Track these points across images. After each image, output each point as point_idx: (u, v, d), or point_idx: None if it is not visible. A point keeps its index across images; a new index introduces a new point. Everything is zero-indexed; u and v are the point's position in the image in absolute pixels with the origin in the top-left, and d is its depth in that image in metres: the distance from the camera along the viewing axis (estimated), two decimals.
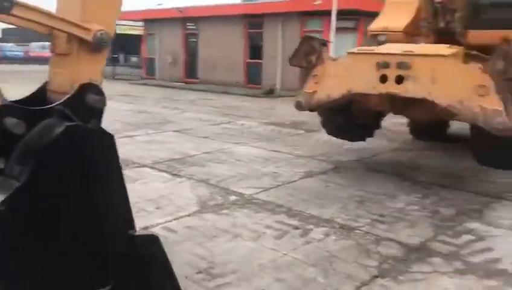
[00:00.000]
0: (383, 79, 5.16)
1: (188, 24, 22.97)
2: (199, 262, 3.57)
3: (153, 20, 24.39)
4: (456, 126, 8.94)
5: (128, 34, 28.21)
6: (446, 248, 4.03)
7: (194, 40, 22.82)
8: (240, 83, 20.48)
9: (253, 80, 20.17)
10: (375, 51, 5.49)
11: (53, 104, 2.06)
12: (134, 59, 30.53)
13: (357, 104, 6.18)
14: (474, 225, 4.59)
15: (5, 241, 1.72)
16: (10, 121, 1.91)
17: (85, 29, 2.13)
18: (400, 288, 3.33)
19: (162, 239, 2.04)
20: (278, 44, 19.13)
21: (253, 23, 20.22)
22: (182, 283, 2.18)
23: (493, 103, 4.58)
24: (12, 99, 2.07)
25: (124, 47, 29.41)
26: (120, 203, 2.07)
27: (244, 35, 20.64)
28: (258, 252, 3.80)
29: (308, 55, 5.78)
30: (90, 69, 2.23)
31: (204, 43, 22.06)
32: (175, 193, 5.26)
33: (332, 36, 14.50)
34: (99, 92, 2.26)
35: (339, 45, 13.32)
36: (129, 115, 11.01)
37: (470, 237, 4.29)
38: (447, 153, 7.71)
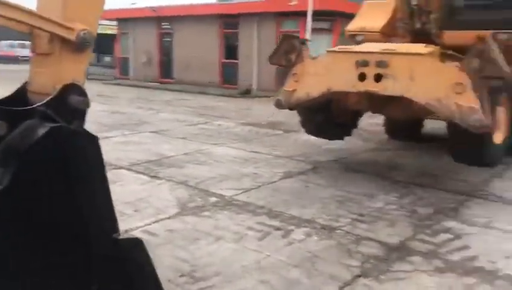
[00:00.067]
0: (362, 77, 5.23)
1: (162, 23, 22.75)
2: (181, 265, 3.52)
3: (127, 20, 24.07)
4: (430, 126, 9.14)
5: (101, 34, 27.74)
6: (425, 247, 4.09)
7: (169, 39, 22.62)
8: (216, 83, 20.41)
9: (229, 80, 20.13)
10: (354, 50, 5.56)
11: (35, 105, 2.01)
12: (107, 59, 30.06)
13: (336, 103, 6.24)
14: (450, 223, 4.68)
15: None
16: None
17: (68, 28, 2.07)
18: (383, 287, 3.36)
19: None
20: (254, 44, 19.15)
21: (229, 23, 20.17)
22: (165, 286, 2.16)
23: (470, 100, 4.68)
24: None
25: (97, 46, 28.86)
26: (104, 206, 2.04)
27: (220, 35, 20.57)
28: (240, 254, 3.78)
29: (288, 54, 5.81)
30: (72, 69, 2.18)
31: (180, 42, 21.90)
32: (154, 195, 5.19)
33: (308, 37, 14.60)
34: (82, 92, 2.21)
35: (315, 46, 13.38)
36: (104, 116, 10.82)
37: (447, 235, 4.37)
38: (422, 153, 7.85)
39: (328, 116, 6.54)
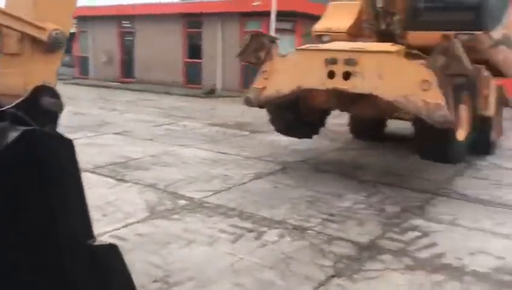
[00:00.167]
0: (331, 75, 5.29)
1: (123, 22, 22.30)
2: (154, 270, 3.45)
3: (86, 18, 23.44)
4: (393, 126, 9.37)
5: None
6: (394, 245, 4.17)
7: (131, 38, 22.20)
8: (179, 83, 20.19)
9: (193, 80, 19.96)
10: (324, 48, 5.62)
11: (5, 107, 1.91)
12: (65, 58, 29.20)
13: (305, 101, 6.30)
14: (417, 221, 4.79)
15: None
16: None
17: (39, 28, 1.99)
18: (356, 287, 3.40)
19: None
20: (218, 44, 19.07)
21: (192, 22, 20.00)
22: None
23: (435, 97, 4.82)
24: None
25: None
26: (79, 211, 1.97)
27: (183, 34, 20.36)
28: (214, 257, 3.74)
29: (257, 51, 5.82)
30: (43, 70, 2.09)
31: (141, 42, 21.53)
32: (121, 199, 5.06)
33: None
34: (54, 94, 2.13)
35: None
36: (64, 117, 10.39)
37: (415, 233, 4.47)
38: (386, 152, 8.02)
39: (296, 114, 6.59)
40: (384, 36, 6.47)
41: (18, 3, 2.01)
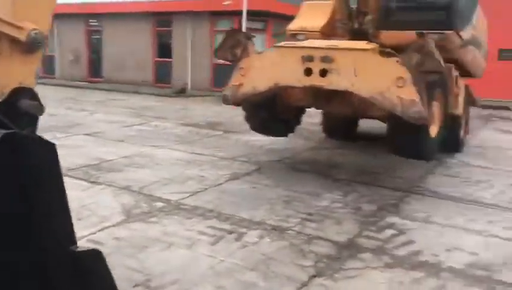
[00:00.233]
0: (308, 72, 5.32)
1: (90, 20, 21.82)
2: (134, 275, 3.38)
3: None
4: (365, 125, 9.51)
5: None
6: (372, 243, 4.22)
7: (98, 37, 21.74)
8: (149, 82, 19.91)
9: (162, 79, 19.73)
10: (300, 45, 5.64)
11: None
12: None
13: (281, 99, 6.30)
14: (393, 219, 4.87)
15: None
16: None
17: (18, 27, 1.91)
18: (338, 286, 3.42)
19: None
20: (188, 43, 18.90)
21: (162, 21, 19.76)
22: None
23: (410, 93, 4.92)
24: None
25: None
26: (62, 216, 1.90)
27: (152, 33, 20.09)
28: (194, 260, 3.69)
29: (233, 48, 5.79)
30: (22, 71, 2.02)
31: (110, 40, 21.12)
32: (96, 202, 4.94)
33: None
34: (34, 96, 2.06)
35: None
36: None
37: (391, 231, 4.54)
38: (359, 151, 8.13)
39: (272, 112, 6.60)
40: (357, 35, 6.55)
41: None
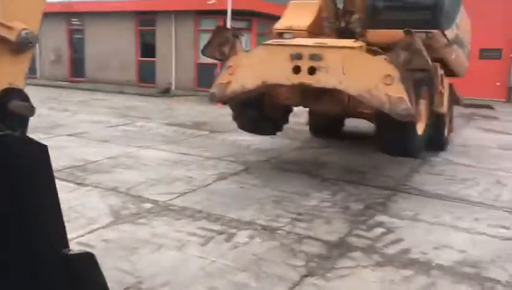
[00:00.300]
0: (296, 70, 5.32)
1: (72, 19, 21.52)
2: (125, 277, 3.33)
3: None
4: (352, 124, 9.57)
5: None
6: (362, 242, 4.24)
7: (80, 36, 21.45)
8: (132, 82, 19.73)
9: (146, 78, 19.58)
10: (289, 43, 5.64)
11: None
12: None
13: (269, 97, 6.29)
14: (382, 217, 4.90)
15: None
16: None
17: (7, 27, 1.87)
18: (330, 285, 3.42)
19: None
20: (172, 43, 18.78)
21: (145, 20, 19.59)
22: None
23: (398, 91, 4.95)
24: None
25: None
26: (54, 219, 1.87)
27: (136, 32, 19.91)
28: (185, 261, 3.66)
29: (221, 46, 5.75)
30: (11, 71, 1.97)
31: (92, 40, 20.86)
32: (83, 204, 4.87)
33: None
34: (24, 97, 2.01)
35: None
36: None
37: (380, 229, 4.57)
38: (345, 150, 8.17)
39: (260, 111, 6.58)
40: (344, 34, 6.59)
41: None
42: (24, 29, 1.93)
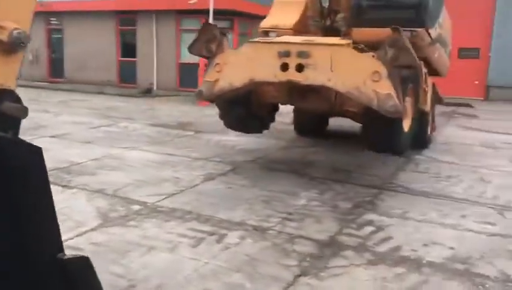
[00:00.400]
0: (284, 67, 5.31)
1: (51, 19, 21.14)
2: (118, 281, 3.28)
3: None
4: (337, 123, 9.62)
5: None
6: (353, 240, 4.26)
7: (59, 36, 21.09)
8: (112, 82, 19.49)
9: (127, 79, 19.34)
10: (276, 41, 5.63)
11: None
12: None
13: (256, 95, 6.27)
14: (371, 216, 4.93)
15: None
16: None
17: None
18: (324, 284, 3.43)
19: None
20: (153, 42, 18.60)
21: (126, 19, 19.36)
22: None
23: (386, 87, 4.99)
24: None
25: None
26: (48, 223, 1.82)
27: (116, 32, 19.66)
28: (178, 263, 3.62)
29: (208, 43, 5.71)
30: (3, 72, 1.92)
31: (71, 40, 20.52)
32: (70, 207, 4.78)
33: None
34: (16, 99, 1.96)
35: None
36: None
37: (370, 228, 4.60)
38: (331, 149, 8.21)
39: (247, 109, 6.56)
40: (329, 33, 6.62)
41: None
42: (16, 28, 1.88)
